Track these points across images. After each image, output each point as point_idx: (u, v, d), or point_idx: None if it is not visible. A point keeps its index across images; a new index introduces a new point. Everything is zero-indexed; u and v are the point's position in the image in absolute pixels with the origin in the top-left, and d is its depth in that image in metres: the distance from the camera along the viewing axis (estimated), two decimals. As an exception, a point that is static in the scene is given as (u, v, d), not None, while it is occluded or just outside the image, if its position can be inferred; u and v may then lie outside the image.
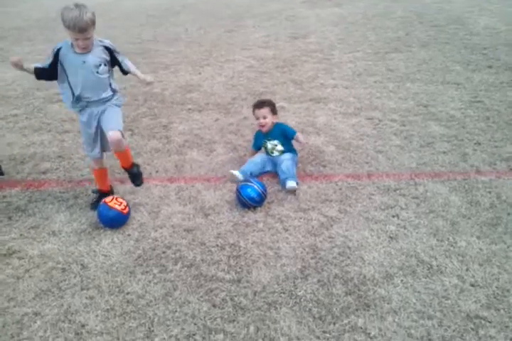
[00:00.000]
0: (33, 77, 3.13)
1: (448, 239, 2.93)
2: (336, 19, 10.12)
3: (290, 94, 5.71)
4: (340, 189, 3.56)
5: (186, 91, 6.06)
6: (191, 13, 12.10)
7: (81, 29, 2.79)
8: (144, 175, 3.94)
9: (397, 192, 3.47)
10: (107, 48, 3.08)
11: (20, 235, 3.25)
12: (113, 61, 3.16)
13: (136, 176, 3.49)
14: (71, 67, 3.03)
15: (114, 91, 3.22)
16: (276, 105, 5.28)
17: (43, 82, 3.58)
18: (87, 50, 2.99)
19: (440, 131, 4.43)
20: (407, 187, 3.52)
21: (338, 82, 6.05)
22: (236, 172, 3.69)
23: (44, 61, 3.08)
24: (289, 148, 3.85)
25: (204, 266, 2.82)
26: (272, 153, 3.85)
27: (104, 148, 3.37)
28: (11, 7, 14.47)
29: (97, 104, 3.17)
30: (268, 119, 3.77)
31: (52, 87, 3.26)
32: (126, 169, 3.43)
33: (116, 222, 3.25)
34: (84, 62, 2.99)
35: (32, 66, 3.05)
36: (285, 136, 3.79)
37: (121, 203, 3.25)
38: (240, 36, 9.15)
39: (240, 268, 2.79)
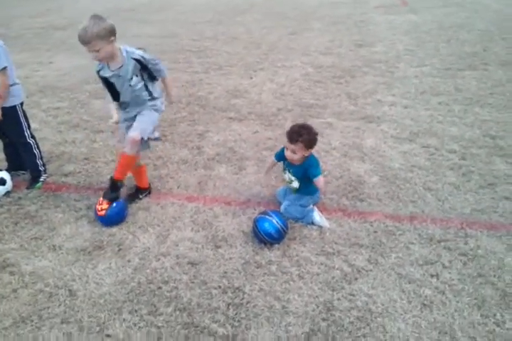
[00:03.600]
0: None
1: (495, 315, 2.38)
2: (408, 27, 9.43)
3: (341, 109, 5.21)
4: (375, 232, 3.07)
5: (232, 97, 5.72)
6: (258, 12, 11.77)
7: (83, 42, 2.81)
8: (164, 190, 3.68)
9: (442, 244, 2.93)
10: (137, 61, 3.02)
11: (21, 246, 3.06)
12: (146, 70, 3.12)
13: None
14: (110, 81, 3.13)
15: (151, 95, 3.21)
16: (324, 121, 4.90)
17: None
18: (102, 61, 3.04)
19: (506, 170, 3.79)
20: (455, 239, 2.97)
21: (397, 99, 5.48)
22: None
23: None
24: (306, 189, 3.20)
25: (198, 313, 2.45)
26: (289, 183, 3.26)
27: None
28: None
29: (134, 106, 3.22)
30: (296, 156, 3.06)
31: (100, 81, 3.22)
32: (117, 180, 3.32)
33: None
34: (119, 76, 3.05)
35: (112, 105, 3.32)
36: (307, 174, 3.10)
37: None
38: (303, 40, 8.70)
39: (238, 321, 2.39)
